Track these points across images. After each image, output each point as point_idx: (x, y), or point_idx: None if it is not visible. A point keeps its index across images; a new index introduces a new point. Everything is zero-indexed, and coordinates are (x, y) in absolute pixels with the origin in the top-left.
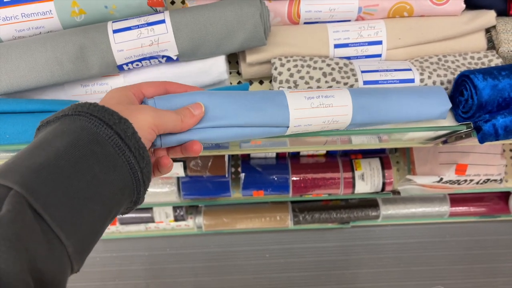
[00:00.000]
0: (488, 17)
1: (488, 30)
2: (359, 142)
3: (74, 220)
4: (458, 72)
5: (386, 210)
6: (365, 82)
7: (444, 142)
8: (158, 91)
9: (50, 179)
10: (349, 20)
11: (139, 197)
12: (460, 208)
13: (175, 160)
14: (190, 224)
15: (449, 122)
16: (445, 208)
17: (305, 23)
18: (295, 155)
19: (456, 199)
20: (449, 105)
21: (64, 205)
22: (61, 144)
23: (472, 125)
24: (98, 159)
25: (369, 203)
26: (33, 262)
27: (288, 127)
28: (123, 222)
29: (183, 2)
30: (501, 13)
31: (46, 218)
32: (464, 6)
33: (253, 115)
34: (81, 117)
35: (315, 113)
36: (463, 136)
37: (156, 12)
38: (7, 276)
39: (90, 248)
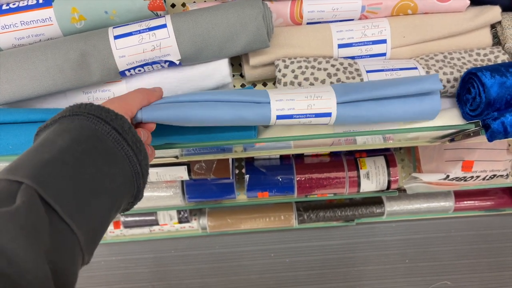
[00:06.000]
0: (493, 12)
1: (493, 26)
2: (363, 142)
3: (83, 211)
4: (465, 70)
5: (391, 207)
6: None
7: (451, 140)
8: None
9: (57, 172)
10: (353, 19)
11: (139, 191)
12: (465, 202)
13: (179, 164)
14: (195, 225)
15: (457, 120)
16: (450, 203)
17: (308, 23)
18: (299, 155)
19: (460, 194)
20: (439, 109)
21: (73, 197)
22: (64, 141)
23: (480, 123)
24: (100, 154)
25: (373, 200)
26: (47, 251)
27: (269, 102)
28: (127, 226)
29: (183, 5)
30: (506, 8)
31: (57, 209)
32: (468, 2)
33: (230, 94)
34: (79, 116)
35: (297, 91)
36: (471, 134)
37: (157, 16)
38: (25, 263)
39: (98, 239)
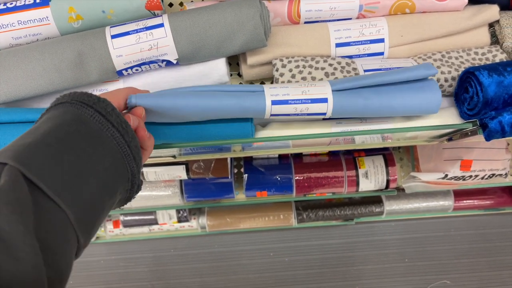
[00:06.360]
0: (491, 11)
1: (491, 25)
2: (362, 141)
3: (71, 190)
4: (462, 69)
5: (390, 206)
6: None
7: (449, 139)
8: None
9: (40, 153)
10: (350, 19)
11: (134, 176)
12: (464, 201)
13: (177, 163)
14: (194, 225)
15: (455, 119)
16: (449, 202)
17: (305, 22)
18: (298, 155)
19: (460, 193)
20: (440, 100)
21: (58, 176)
22: (47, 126)
23: (478, 122)
24: (83, 136)
25: (372, 199)
26: (35, 229)
27: (263, 90)
28: (127, 225)
29: (181, 4)
30: (504, 7)
31: (42, 187)
32: (466, 1)
33: (225, 87)
34: (64, 104)
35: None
36: (469, 133)
37: (155, 15)
38: (10, 237)
39: (93, 221)
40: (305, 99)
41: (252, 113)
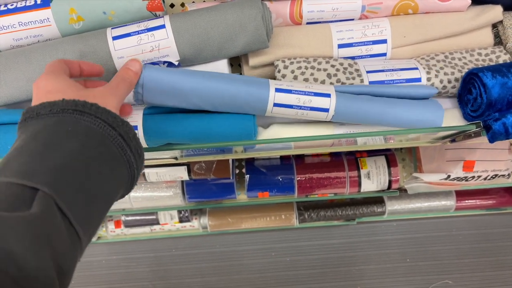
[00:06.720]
0: (495, 12)
1: (494, 26)
2: (364, 142)
3: (88, 217)
4: (466, 70)
5: (392, 206)
6: (371, 83)
7: (452, 140)
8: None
9: (70, 180)
10: (353, 19)
11: (129, 192)
12: (466, 201)
13: (179, 164)
14: (195, 225)
15: (458, 121)
16: (451, 202)
17: (307, 23)
18: (300, 155)
19: (461, 193)
20: (442, 115)
21: (81, 204)
22: (73, 145)
23: (481, 124)
24: (106, 160)
25: (374, 199)
26: (56, 259)
27: (267, 80)
28: (128, 225)
29: (182, 5)
30: (508, 7)
31: (70, 217)
32: (469, 1)
33: (232, 75)
34: (84, 117)
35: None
36: (472, 135)
37: (156, 16)
38: (38, 274)
39: (91, 240)
40: (308, 91)
41: (256, 99)
